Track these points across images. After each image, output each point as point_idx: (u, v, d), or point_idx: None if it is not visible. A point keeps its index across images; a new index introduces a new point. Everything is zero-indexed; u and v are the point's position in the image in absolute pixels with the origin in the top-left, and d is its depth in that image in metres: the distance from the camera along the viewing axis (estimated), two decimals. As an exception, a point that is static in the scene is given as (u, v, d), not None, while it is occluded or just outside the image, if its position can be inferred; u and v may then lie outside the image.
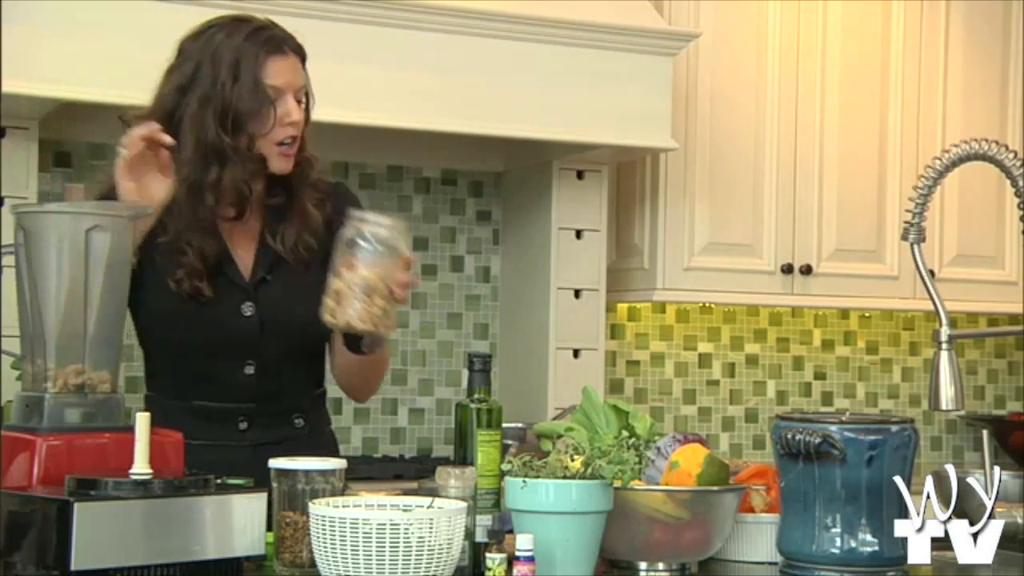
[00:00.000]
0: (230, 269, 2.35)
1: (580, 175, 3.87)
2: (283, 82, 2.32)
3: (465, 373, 2.09)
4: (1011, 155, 2.00)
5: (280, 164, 2.33)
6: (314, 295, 2.27)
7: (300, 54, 2.36)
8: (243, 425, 2.35)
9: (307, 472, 1.85)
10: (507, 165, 4.06)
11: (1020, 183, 2.00)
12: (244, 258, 2.37)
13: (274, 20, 2.39)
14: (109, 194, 2.23)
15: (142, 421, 1.74)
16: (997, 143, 2.02)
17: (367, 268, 2.04)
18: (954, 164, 2.02)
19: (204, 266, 2.29)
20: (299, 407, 2.41)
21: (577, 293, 3.86)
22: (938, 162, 2.01)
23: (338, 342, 2.32)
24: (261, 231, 2.38)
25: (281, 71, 2.32)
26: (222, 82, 2.28)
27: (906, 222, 2.04)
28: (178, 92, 2.31)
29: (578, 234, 3.87)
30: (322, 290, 2.19)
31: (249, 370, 2.33)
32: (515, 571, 1.72)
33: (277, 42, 2.33)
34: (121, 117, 2.35)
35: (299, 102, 2.33)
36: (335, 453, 2.49)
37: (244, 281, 2.35)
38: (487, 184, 4.09)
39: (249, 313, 2.34)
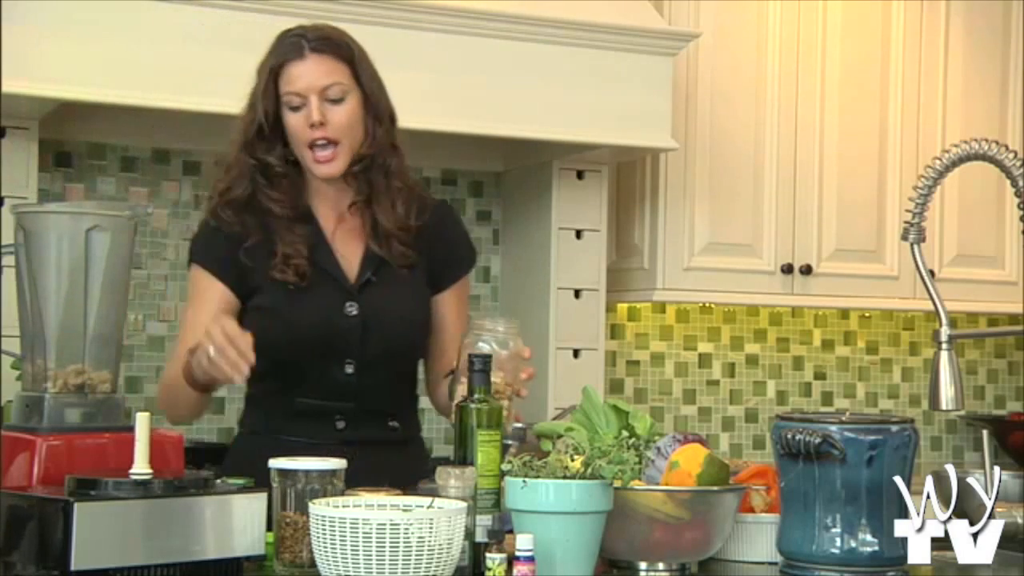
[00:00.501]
0: (331, 265, 2.39)
1: (580, 175, 3.87)
2: (302, 86, 2.34)
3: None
4: (1011, 155, 2.00)
5: (318, 169, 2.37)
6: (415, 299, 2.39)
7: (329, 52, 2.36)
8: (340, 424, 2.39)
9: (307, 472, 1.85)
10: (507, 165, 4.06)
11: (1020, 183, 2.00)
12: (350, 258, 2.42)
13: (318, 22, 2.45)
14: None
15: (142, 421, 1.74)
16: (997, 143, 2.02)
17: (492, 373, 2.05)
18: (954, 164, 2.02)
19: (300, 253, 2.34)
20: (395, 410, 2.44)
21: (577, 293, 3.86)
22: (938, 162, 2.01)
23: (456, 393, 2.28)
24: (366, 233, 2.42)
25: (299, 76, 2.34)
26: (256, 99, 2.36)
27: (906, 222, 2.04)
28: (250, 110, 2.38)
29: (578, 234, 3.87)
30: (426, 298, 2.39)
31: (349, 369, 2.37)
32: (515, 571, 1.72)
33: (293, 48, 2.36)
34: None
35: (335, 101, 2.34)
36: (426, 459, 2.57)
37: (348, 282, 2.40)
38: (487, 184, 4.09)
39: (353, 313, 2.37)
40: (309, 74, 2.34)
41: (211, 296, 2.37)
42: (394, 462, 2.29)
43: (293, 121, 2.34)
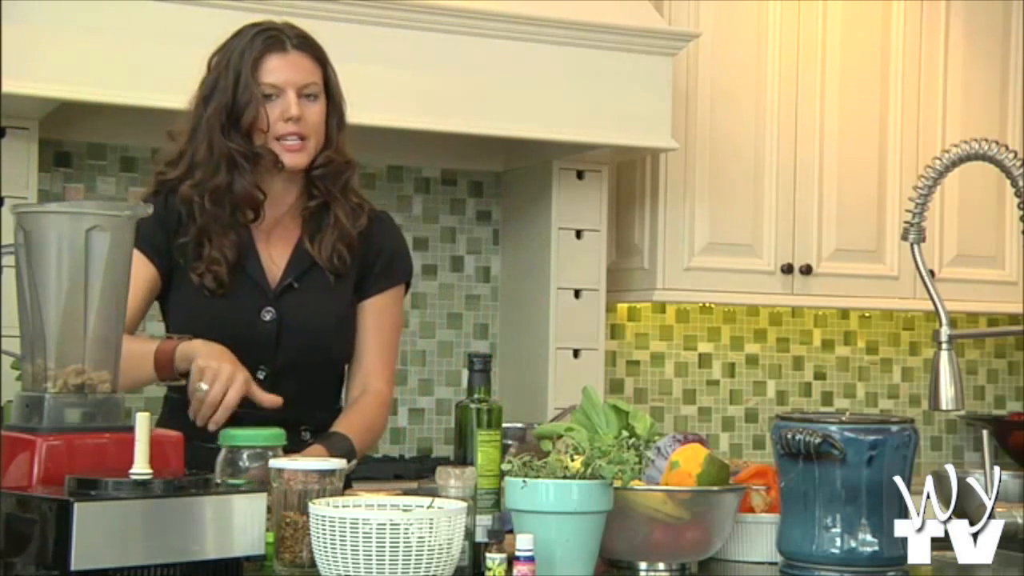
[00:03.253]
0: (255, 271, 2.38)
1: (580, 175, 3.88)
2: (282, 79, 2.34)
3: (465, 373, 2.09)
4: (1011, 155, 2.00)
5: (288, 159, 2.36)
6: (336, 307, 2.33)
7: (308, 51, 2.37)
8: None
9: (307, 472, 1.85)
10: (507, 165, 4.06)
11: (1020, 183, 2.00)
12: (276, 262, 2.40)
13: (289, 21, 2.42)
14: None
15: (142, 421, 1.74)
16: (997, 143, 2.02)
17: None
18: (954, 164, 2.02)
19: (224, 260, 2.33)
20: (308, 421, 2.40)
21: (577, 293, 3.86)
22: (938, 162, 2.01)
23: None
24: (300, 237, 2.41)
25: (278, 68, 2.34)
26: (226, 88, 2.33)
27: (906, 222, 2.04)
28: (203, 103, 2.37)
29: (578, 234, 3.87)
30: (348, 307, 2.33)
31: (260, 376, 2.34)
32: (515, 571, 1.72)
33: (275, 40, 2.36)
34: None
35: (309, 97, 2.35)
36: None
37: (268, 286, 2.38)
38: (487, 184, 4.09)
39: (268, 318, 2.35)
40: (289, 69, 2.34)
41: (138, 274, 2.26)
42: None
43: (267, 112, 2.33)
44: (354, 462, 2.26)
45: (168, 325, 2.42)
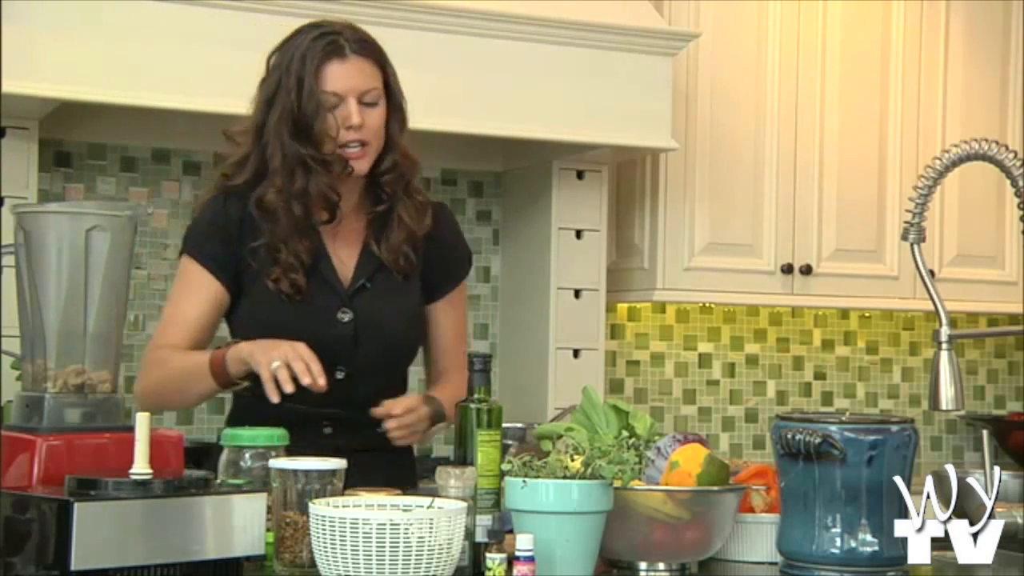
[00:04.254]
0: (329, 273, 2.40)
1: (580, 175, 3.87)
2: (342, 87, 2.35)
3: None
4: (1011, 155, 2.00)
5: (352, 166, 2.38)
6: (409, 307, 2.40)
7: (368, 56, 2.39)
8: (327, 430, 2.40)
9: (307, 472, 1.85)
10: (507, 165, 4.06)
11: (1020, 183, 2.00)
12: (346, 263, 2.43)
13: (349, 22, 2.45)
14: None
15: (142, 421, 1.74)
16: (997, 143, 2.02)
17: None
18: (954, 164, 2.02)
19: (300, 264, 2.35)
20: (380, 420, 2.40)
21: (577, 293, 3.86)
22: (938, 162, 2.01)
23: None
24: (366, 238, 2.44)
25: (338, 76, 2.36)
26: (290, 92, 2.35)
27: (906, 222, 2.04)
28: (266, 105, 2.38)
29: (578, 234, 3.87)
30: (417, 305, 2.42)
31: (339, 375, 2.37)
32: (515, 571, 1.72)
33: (335, 47, 2.37)
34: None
35: (370, 104, 2.37)
36: (414, 467, 2.56)
37: (342, 288, 2.41)
38: (487, 184, 4.09)
39: (345, 319, 2.38)
40: (350, 76, 2.36)
41: (202, 291, 2.39)
42: (382, 469, 2.29)
43: (329, 119, 2.35)
44: (443, 424, 2.34)
45: (237, 332, 2.42)
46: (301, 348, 2.20)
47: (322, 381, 2.18)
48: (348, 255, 2.44)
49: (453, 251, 2.55)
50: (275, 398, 2.17)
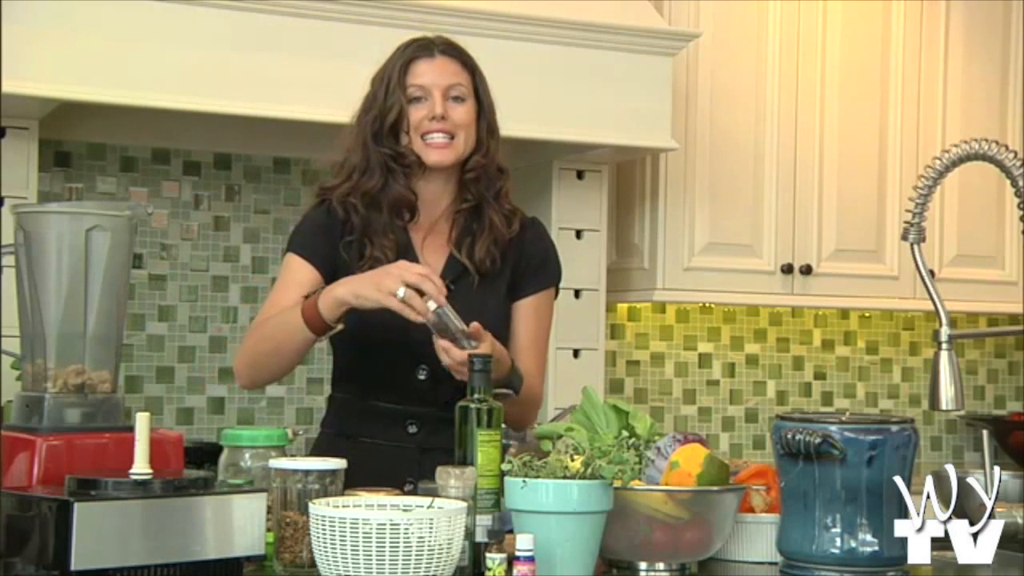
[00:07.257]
0: None
1: (580, 175, 3.87)
2: (428, 80, 2.43)
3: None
4: (1011, 155, 2.00)
5: (432, 156, 2.43)
6: (492, 309, 2.42)
7: (455, 56, 2.47)
8: (412, 428, 2.43)
9: (307, 472, 1.85)
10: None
11: (1020, 183, 2.00)
12: (433, 263, 2.45)
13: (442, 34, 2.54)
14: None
15: (142, 421, 1.74)
16: (997, 143, 2.02)
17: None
18: (954, 164, 2.02)
19: (385, 260, 2.38)
20: None
21: (577, 293, 3.86)
22: (938, 162, 2.01)
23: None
24: (453, 239, 2.48)
25: (425, 71, 2.44)
26: (378, 95, 2.44)
27: (906, 222, 2.04)
28: (361, 112, 2.47)
29: (578, 234, 3.87)
30: (500, 308, 2.44)
31: (422, 375, 2.40)
32: (515, 571, 1.72)
33: (423, 47, 2.46)
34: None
35: (457, 99, 2.44)
36: None
37: None
38: (487, 184, 4.08)
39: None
40: (435, 71, 2.44)
41: (303, 279, 2.42)
42: None
43: (413, 113, 2.42)
44: (508, 393, 2.32)
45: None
46: (409, 268, 2.22)
47: (443, 290, 2.20)
48: (436, 256, 2.47)
49: (543, 259, 2.57)
50: (419, 318, 2.18)
